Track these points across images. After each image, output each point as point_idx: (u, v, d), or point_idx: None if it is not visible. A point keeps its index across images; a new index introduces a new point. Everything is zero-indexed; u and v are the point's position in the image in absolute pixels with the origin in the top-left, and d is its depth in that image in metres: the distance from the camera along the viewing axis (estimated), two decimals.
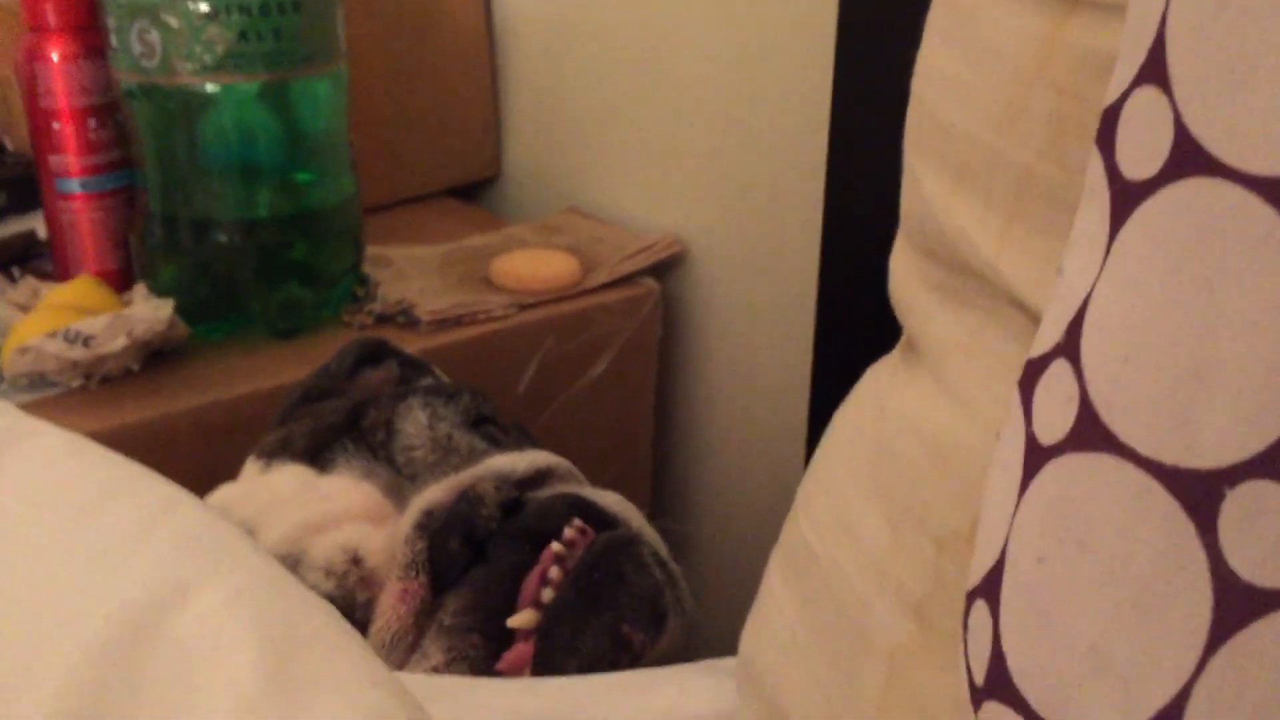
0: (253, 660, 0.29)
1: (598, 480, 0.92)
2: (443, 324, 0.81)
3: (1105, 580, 0.21)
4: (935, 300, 0.33)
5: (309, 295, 0.80)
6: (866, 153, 0.67)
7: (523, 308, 0.84)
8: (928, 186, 0.32)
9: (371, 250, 0.89)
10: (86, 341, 0.70)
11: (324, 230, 0.81)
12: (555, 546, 0.45)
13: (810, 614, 0.34)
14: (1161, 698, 0.21)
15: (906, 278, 0.35)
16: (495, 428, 0.53)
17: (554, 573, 0.45)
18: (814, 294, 0.73)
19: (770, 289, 0.85)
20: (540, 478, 0.50)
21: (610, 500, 0.49)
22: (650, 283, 0.89)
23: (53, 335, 0.70)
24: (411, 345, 0.79)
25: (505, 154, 1.08)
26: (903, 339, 0.36)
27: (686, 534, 0.94)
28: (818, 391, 0.74)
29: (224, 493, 0.52)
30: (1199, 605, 0.20)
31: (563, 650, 0.43)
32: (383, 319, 0.81)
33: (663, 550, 0.49)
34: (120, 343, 0.70)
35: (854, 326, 0.71)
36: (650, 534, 0.49)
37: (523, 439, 0.54)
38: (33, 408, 0.71)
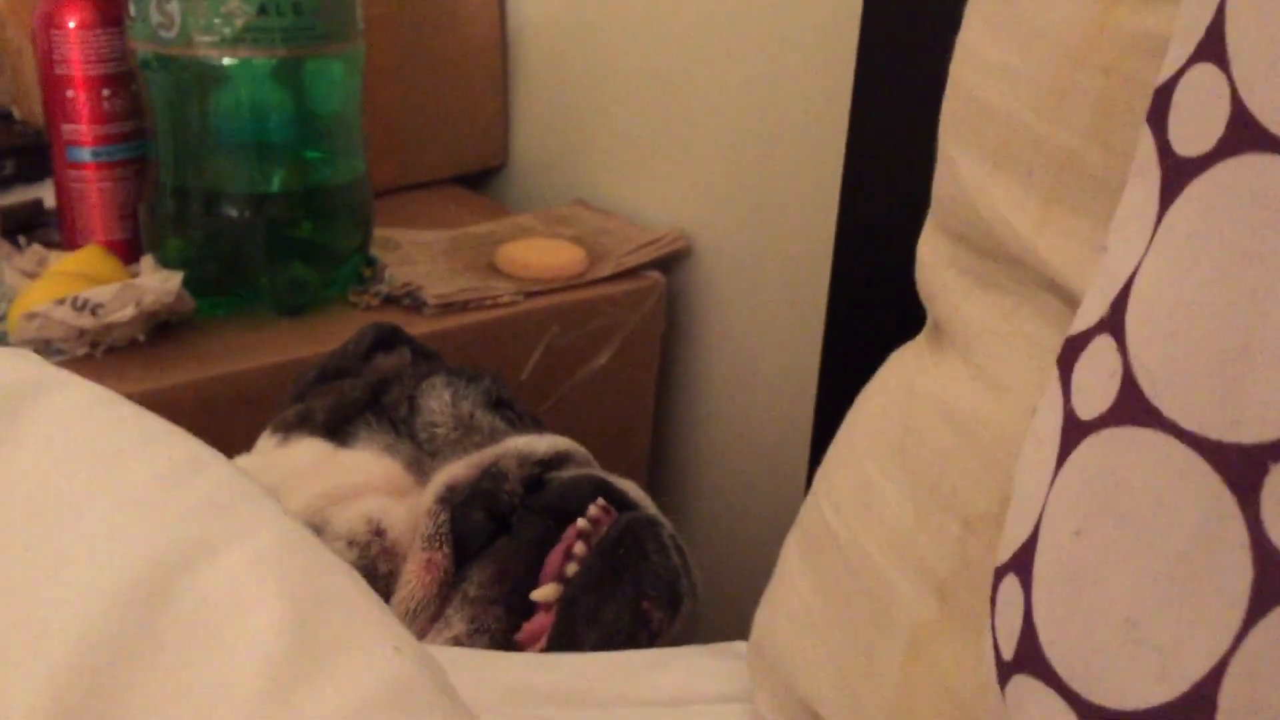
0: (277, 619, 0.29)
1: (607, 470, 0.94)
2: (448, 308, 0.82)
3: (1144, 553, 0.22)
4: (966, 284, 0.34)
5: (315, 273, 0.82)
6: (887, 151, 0.69)
7: (528, 295, 0.85)
8: (964, 171, 0.34)
9: (379, 232, 0.90)
10: (94, 310, 0.71)
11: (333, 209, 0.82)
12: (581, 523, 0.47)
13: (827, 592, 0.35)
14: (1198, 669, 0.21)
15: (936, 263, 0.36)
16: (512, 412, 0.54)
17: (578, 548, 0.46)
18: (825, 292, 0.75)
19: (776, 286, 0.87)
20: (560, 460, 0.51)
21: (629, 486, 0.51)
22: (655, 276, 0.90)
23: (60, 302, 0.71)
24: (417, 328, 0.80)
25: (513, 144, 1.09)
26: (928, 324, 0.37)
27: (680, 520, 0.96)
28: (825, 390, 0.75)
29: (240, 463, 0.53)
30: (1238, 579, 0.21)
31: (585, 619, 0.45)
32: (389, 300, 0.83)
33: (679, 537, 0.50)
34: (128, 312, 0.71)
35: (866, 325, 0.72)
36: (666, 522, 0.51)
37: (537, 426, 0.55)
38: None
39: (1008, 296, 0.33)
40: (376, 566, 0.47)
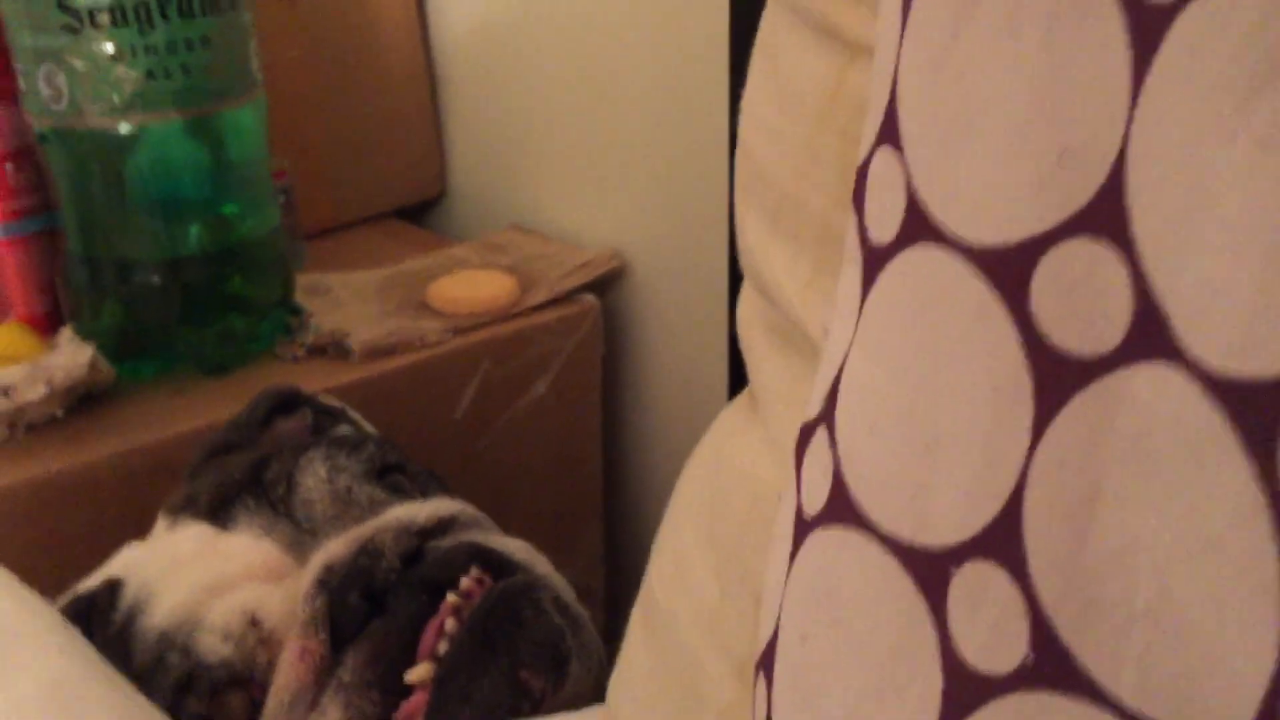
0: None
1: (547, 501, 0.93)
2: (376, 353, 0.81)
3: (854, 662, 0.21)
4: (768, 343, 0.34)
5: (239, 329, 0.81)
6: None
7: (459, 332, 0.84)
8: (749, 231, 0.33)
9: (309, 277, 0.90)
10: (6, 392, 0.71)
11: (253, 262, 0.81)
12: (451, 598, 0.46)
13: (657, 665, 0.35)
14: None
15: (749, 319, 0.35)
16: (403, 476, 0.53)
17: (450, 624, 0.46)
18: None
19: (708, 299, 0.86)
20: (443, 526, 0.50)
21: (514, 547, 0.50)
22: (590, 299, 0.89)
23: None
24: (345, 376, 0.80)
25: (450, 173, 1.09)
26: (749, 383, 0.36)
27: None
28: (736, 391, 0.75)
29: (128, 554, 0.53)
30: (931, 691, 0.20)
31: (458, 699, 0.44)
32: (315, 350, 0.82)
33: (567, 595, 0.49)
34: (40, 391, 0.71)
35: None
36: (556, 580, 0.50)
37: (431, 485, 0.54)
38: None
39: (796, 359, 0.32)
40: (255, 658, 0.46)
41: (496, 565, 0.48)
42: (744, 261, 0.34)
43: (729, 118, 0.67)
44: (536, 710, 0.45)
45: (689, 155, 0.84)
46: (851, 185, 0.28)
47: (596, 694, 0.50)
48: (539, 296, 0.88)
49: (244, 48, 0.78)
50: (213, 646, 0.46)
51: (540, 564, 0.51)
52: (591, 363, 0.90)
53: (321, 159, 1.01)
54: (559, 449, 0.91)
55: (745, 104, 0.33)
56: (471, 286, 0.88)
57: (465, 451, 0.85)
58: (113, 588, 0.51)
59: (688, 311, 0.88)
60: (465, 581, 0.46)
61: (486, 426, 0.86)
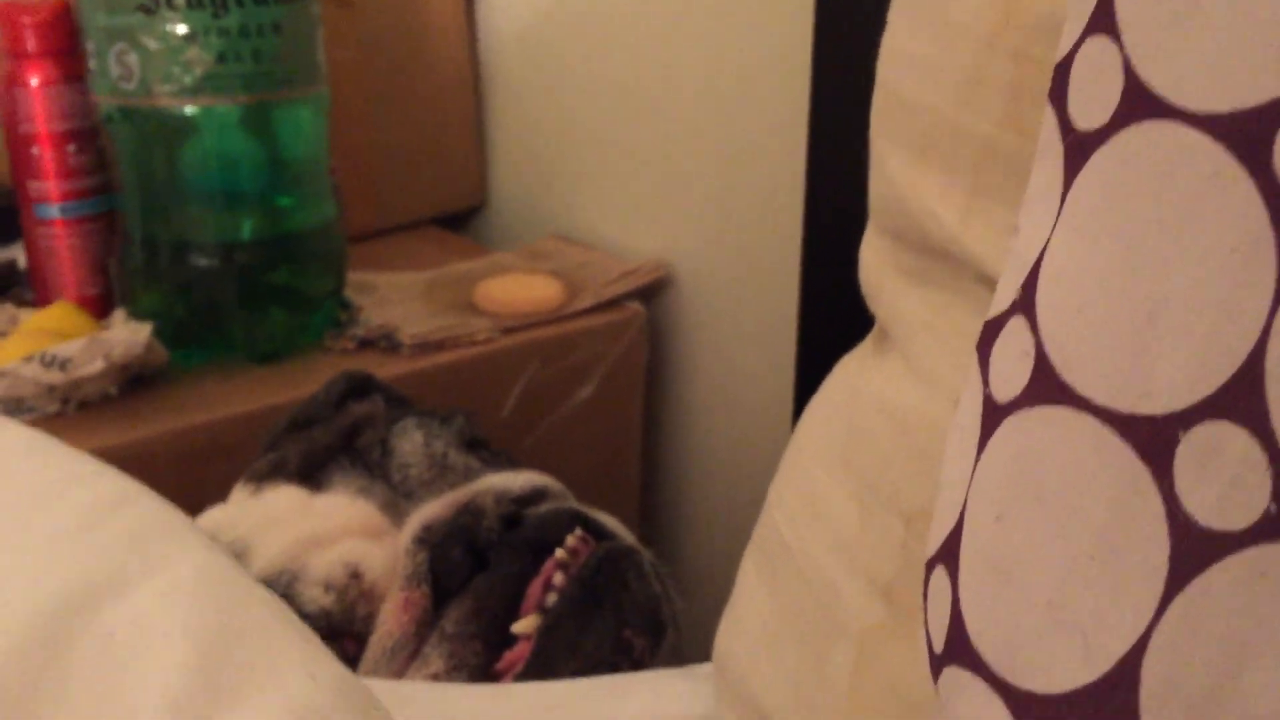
0: (183, 655, 0.30)
1: (586, 505, 0.95)
2: (425, 348, 0.84)
3: (1063, 533, 0.23)
4: (903, 283, 0.36)
5: (290, 319, 0.84)
6: (844, 172, 0.71)
7: (506, 332, 0.87)
8: (892, 166, 0.35)
9: (355, 276, 0.92)
10: (63, 365, 0.73)
11: (305, 254, 0.84)
12: (559, 553, 0.48)
13: (782, 605, 0.37)
14: (1121, 646, 0.22)
15: (876, 263, 0.38)
16: (487, 451, 0.56)
17: (558, 578, 0.48)
18: (795, 314, 0.77)
19: (755, 311, 0.89)
20: (536, 495, 0.53)
21: (607, 518, 0.53)
22: (635, 306, 0.92)
23: (29, 359, 0.73)
24: (394, 369, 0.82)
25: (491, 182, 1.12)
26: (874, 328, 0.39)
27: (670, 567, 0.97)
28: (800, 411, 0.77)
29: (214, 514, 0.55)
30: (1156, 552, 0.21)
31: (564, 648, 0.46)
32: (365, 343, 0.85)
33: (659, 566, 0.52)
34: (97, 366, 0.73)
35: (836, 345, 0.75)
36: (647, 554, 0.53)
37: (512, 464, 0.57)
38: None
39: (940, 291, 0.34)
40: (355, 609, 0.48)
41: (594, 531, 0.51)
42: (879, 202, 0.37)
43: (809, 132, 0.70)
44: (635, 670, 0.48)
45: (744, 166, 0.87)
46: (1021, 106, 0.31)
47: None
48: (586, 301, 0.90)
49: (311, 39, 0.81)
50: (314, 597, 0.48)
51: (628, 536, 0.53)
52: (635, 369, 0.93)
53: (366, 162, 1.04)
54: (600, 452, 0.93)
55: (887, 44, 0.36)
56: (519, 289, 0.91)
57: (510, 451, 0.87)
58: None
59: (735, 323, 0.91)
60: (571, 540, 0.49)
61: (532, 427, 0.88)
